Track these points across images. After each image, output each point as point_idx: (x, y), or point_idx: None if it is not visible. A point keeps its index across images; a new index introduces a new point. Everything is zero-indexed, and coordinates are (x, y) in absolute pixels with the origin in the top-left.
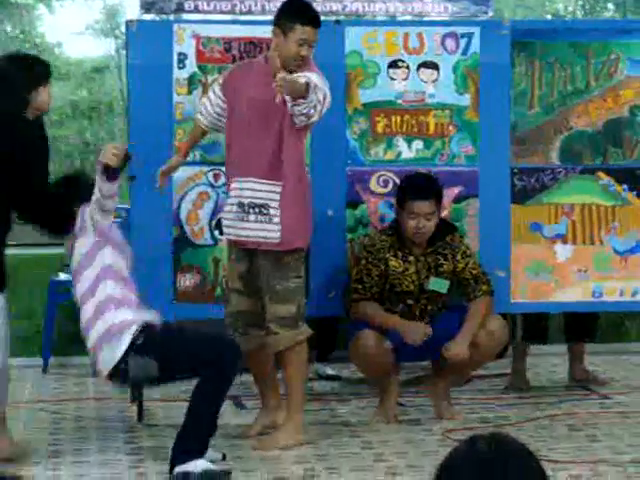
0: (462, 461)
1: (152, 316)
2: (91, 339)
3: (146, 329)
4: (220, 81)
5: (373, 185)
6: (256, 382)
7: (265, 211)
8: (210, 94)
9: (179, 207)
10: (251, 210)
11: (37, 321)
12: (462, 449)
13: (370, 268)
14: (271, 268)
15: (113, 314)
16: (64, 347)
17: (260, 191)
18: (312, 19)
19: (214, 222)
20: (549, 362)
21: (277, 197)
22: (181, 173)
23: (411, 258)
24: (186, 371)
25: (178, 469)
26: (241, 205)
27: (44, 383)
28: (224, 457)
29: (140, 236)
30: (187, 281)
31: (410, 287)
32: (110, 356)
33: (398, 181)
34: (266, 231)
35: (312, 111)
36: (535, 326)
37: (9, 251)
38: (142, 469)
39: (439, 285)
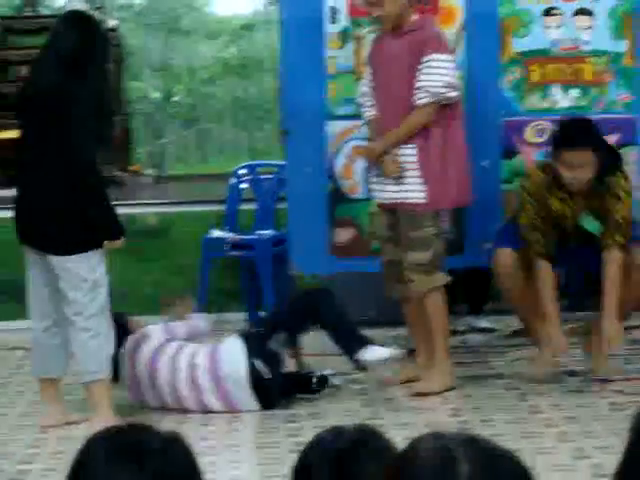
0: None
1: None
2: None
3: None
4: (367, 69)
5: (529, 135)
6: (410, 331)
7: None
8: (361, 88)
9: (333, 161)
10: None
11: (192, 278)
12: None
13: (539, 211)
14: (407, 217)
15: None
16: (218, 303)
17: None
18: None
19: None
20: None
21: (414, 159)
22: (335, 127)
23: (567, 196)
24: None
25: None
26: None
27: None
28: None
29: (295, 191)
30: (343, 235)
31: (567, 228)
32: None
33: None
34: (404, 192)
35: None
36: None
37: (164, 209)
38: (298, 424)
39: (590, 224)
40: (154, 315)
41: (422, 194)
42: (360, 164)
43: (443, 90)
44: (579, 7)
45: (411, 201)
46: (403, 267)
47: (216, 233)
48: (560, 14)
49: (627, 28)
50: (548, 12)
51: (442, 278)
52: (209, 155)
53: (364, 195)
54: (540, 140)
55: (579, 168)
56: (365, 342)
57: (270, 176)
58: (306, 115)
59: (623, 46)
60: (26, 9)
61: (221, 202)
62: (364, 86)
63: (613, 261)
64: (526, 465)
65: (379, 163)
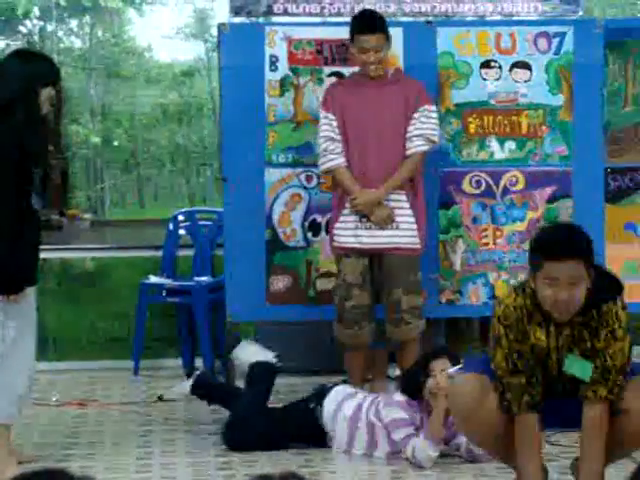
0: None
1: None
2: None
3: None
4: (330, 116)
5: (466, 186)
6: (351, 374)
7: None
8: (326, 133)
9: (271, 209)
10: None
11: (128, 323)
12: None
13: (519, 349)
14: (404, 262)
15: None
16: (154, 349)
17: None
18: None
19: (307, 224)
20: None
21: (407, 205)
22: (273, 175)
23: (552, 329)
24: None
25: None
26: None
27: (135, 385)
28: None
29: (233, 238)
30: (279, 283)
31: (550, 369)
32: None
33: (491, 181)
34: (399, 237)
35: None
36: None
37: (101, 254)
38: (230, 471)
39: (577, 367)
40: (87, 361)
41: (416, 239)
42: (298, 212)
43: (436, 139)
44: (516, 60)
45: (408, 246)
46: (400, 310)
47: (153, 279)
48: (498, 67)
49: (563, 82)
50: (486, 64)
51: (424, 323)
52: (147, 201)
53: (301, 243)
54: (477, 191)
55: (567, 285)
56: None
57: (208, 222)
58: (245, 162)
59: (559, 100)
60: None
61: (158, 248)
62: (329, 132)
63: (591, 420)
64: None
65: (373, 210)
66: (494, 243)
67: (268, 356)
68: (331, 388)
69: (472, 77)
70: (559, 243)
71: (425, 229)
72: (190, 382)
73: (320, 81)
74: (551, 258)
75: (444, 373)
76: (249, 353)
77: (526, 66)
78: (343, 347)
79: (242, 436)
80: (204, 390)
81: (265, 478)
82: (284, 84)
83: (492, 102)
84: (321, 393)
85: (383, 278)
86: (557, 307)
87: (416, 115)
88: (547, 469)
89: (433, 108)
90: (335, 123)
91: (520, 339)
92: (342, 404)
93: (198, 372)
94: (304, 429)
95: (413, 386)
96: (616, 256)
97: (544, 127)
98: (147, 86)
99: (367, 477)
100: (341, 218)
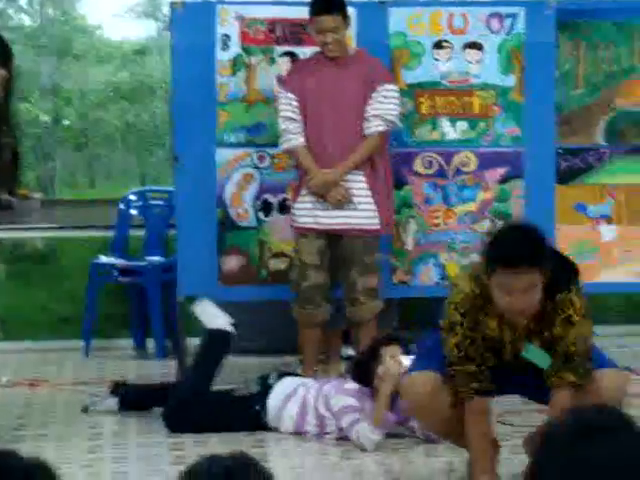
0: None
1: None
2: None
3: None
4: (290, 96)
5: (418, 166)
6: (306, 353)
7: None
8: (286, 114)
9: (223, 189)
10: None
11: (79, 303)
12: None
13: (472, 336)
14: (361, 242)
15: None
16: (106, 330)
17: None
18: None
19: (259, 204)
20: None
21: (365, 186)
22: (225, 155)
23: (506, 322)
24: None
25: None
26: None
27: (85, 365)
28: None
29: (184, 218)
30: (231, 263)
31: (505, 356)
32: None
33: (443, 162)
34: (357, 218)
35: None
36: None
37: (51, 233)
38: (182, 452)
39: (536, 356)
40: (38, 341)
41: (376, 220)
42: (249, 192)
43: (395, 119)
44: (469, 41)
45: (366, 227)
46: (355, 290)
47: (104, 259)
48: (450, 47)
49: (515, 63)
50: (438, 45)
51: (381, 304)
52: (99, 180)
53: (253, 223)
54: (429, 171)
55: (521, 294)
56: None
57: (160, 202)
58: (196, 142)
59: (511, 80)
60: None
61: (110, 228)
62: (288, 112)
63: (558, 406)
64: None
65: (329, 191)
66: (445, 224)
67: (226, 321)
68: (273, 384)
69: (424, 57)
70: (513, 255)
71: (391, 209)
72: (115, 399)
73: (272, 61)
74: (505, 269)
75: (394, 360)
76: (208, 314)
77: (478, 46)
78: (301, 326)
79: (183, 422)
80: (133, 402)
81: (214, 458)
82: (236, 63)
83: (444, 82)
84: (265, 390)
85: (341, 258)
86: (511, 312)
87: (374, 95)
88: (499, 446)
89: (393, 87)
90: (295, 103)
91: (474, 327)
92: (286, 403)
93: (121, 390)
94: (248, 428)
95: (364, 373)
96: (567, 236)
97: (496, 108)
98: (98, 65)
99: (318, 457)
100: (299, 198)
